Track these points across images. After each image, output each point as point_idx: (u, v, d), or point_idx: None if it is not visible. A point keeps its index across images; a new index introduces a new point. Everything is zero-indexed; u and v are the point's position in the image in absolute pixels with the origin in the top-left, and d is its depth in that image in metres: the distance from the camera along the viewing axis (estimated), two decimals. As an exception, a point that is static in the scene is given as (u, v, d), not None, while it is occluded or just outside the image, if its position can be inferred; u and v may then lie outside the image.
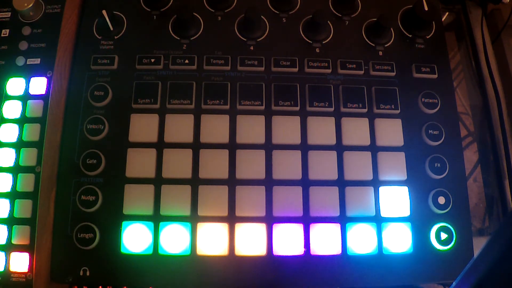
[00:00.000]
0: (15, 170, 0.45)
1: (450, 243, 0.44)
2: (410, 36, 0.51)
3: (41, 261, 0.43)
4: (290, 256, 0.43)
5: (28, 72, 0.48)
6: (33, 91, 0.48)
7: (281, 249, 0.43)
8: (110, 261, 0.43)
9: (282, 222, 0.44)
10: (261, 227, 0.44)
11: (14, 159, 0.46)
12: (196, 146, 0.45)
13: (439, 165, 0.46)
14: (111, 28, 0.49)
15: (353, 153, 0.46)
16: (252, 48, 0.49)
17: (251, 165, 0.45)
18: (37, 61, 0.48)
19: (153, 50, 0.49)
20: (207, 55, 0.48)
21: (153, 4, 0.50)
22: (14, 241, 0.44)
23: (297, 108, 0.47)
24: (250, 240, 0.43)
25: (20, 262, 0.43)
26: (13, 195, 0.45)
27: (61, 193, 0.44)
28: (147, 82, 0.47)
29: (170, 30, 0.50)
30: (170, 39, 0.49)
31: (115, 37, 0.49)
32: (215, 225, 0.43)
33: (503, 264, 0.24)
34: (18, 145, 0.46)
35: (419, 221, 0.45)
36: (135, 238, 0.43)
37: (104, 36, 0.49)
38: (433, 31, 0.52)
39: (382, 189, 0.45)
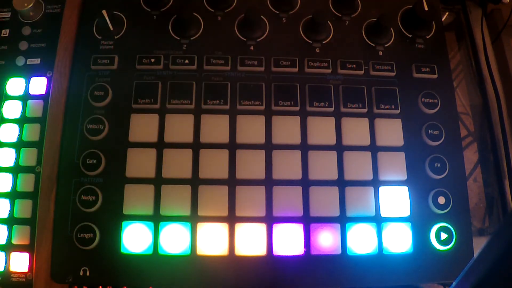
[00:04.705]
0: (15, 170, 0.45)
1: (450, 243, 0.44)
2: (410, 36, 0.51)
3: (41, 261, 0.43)
4: (290, 256, 0.43)
5: (28, 72, 0.48)
6: (33, 91, 0.48)
7: (281, 249, 0.43)
8: (110, 261, 0.43)
9: (282, 222, 0.44)
10: (261, 227, 0.44)
11: (14, 159, 0.46)
12: (196, 146, 0.45)
13: (439, 165, 0.46)
14: (111, 28, 0.49)
15: (353, 153, 0.46)
16: (252, 48, 0.49)
17: (251, 165, 0.45)
18: (37, 61, 0.49)
19: (153, 50, 0.49)
20: (207, 55, 0.48)
21: (153, 4, 0.50)
22: (14, 241, 0.44)
23: (297, 108, 0.47)
24: (250, 240, 0.43)
25: (20, 262, 0.43)
26: (13, 195, 0.45)
27: (61, 193, 0.44)
28: (147, 82, 0.47)
29: (170, 30, 0.50)
30: (170, 39, 0.49)
31: (115, 37, 0.49)
32: (215, 225, 0.43)
33: (503, 264, 0.24)
34: (18, 145, 0.46)
35: (419, 221, 0.45)
36: (135, 238, 0.43)
37: (104, 36, 0.49)
38: (433, 31, 0.52)
39: (382, 189, 0.45)
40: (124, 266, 0.43)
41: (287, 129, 0.46)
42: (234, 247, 0.43)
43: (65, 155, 0.45)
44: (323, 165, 0.45)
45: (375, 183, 0.46)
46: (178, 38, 0.49)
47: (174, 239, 0.43)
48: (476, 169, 0.56)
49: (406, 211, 0.45)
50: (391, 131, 0.47)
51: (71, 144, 0.46)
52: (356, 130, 0.47)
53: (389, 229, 0.44)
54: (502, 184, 0.54)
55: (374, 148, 0.47)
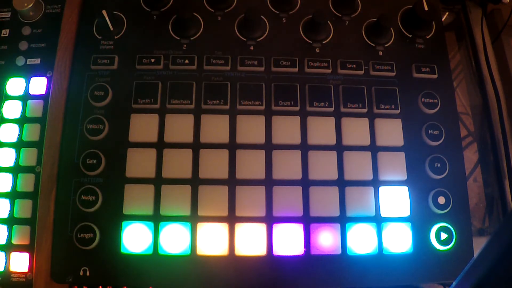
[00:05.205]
0: (15, 170, 0.45)
1: (450, 243, 0.44)
2: (410, 36, 0.51)
3: (41, 261, 0.43)
4: (290, 256, 0.43)
5: (28, 72, 0.48)
6: (33, 91, 0.48)
7: (281, 249, 0.43)
8: (110, 261, 0.43)
9: (282, 222, 0.44)
10: (261, 227, 0.44)
11: (14, 159, 0.46)
12: (196, 146, 0.45)
13: (439, 165, 0.46)
14: (111, 28, 0.49)
15: (353, 153, 0.46)
16: (252, 48, 0.49)
17: (251, 165, 0.45)
18: (37, 61, 0.49)
19: (153, 50, 0.49)
20: (207, 55, 0.48)
21: (153, 4, 0.50)
22: (14, 241, 0.44)
23: (297, 108, 0.47)
24: (250, 240, 0.43)
25: (20, 262, 0.43)
26: (13, 195, 0.45)
27: (61, 193, 0.44)
28: (147, 82, 0.47)
29: (170, 30, 0.50)
30: (170, 39, 0.49)
31: (115, 37, 0.49)
32: (215, 225, 0.43)
33: (503, 264, 0.24)
34: (18, 145, 0.46)
35: (419, 221, 0.45)
36: (135, 238, 0.43)
37: (104, 36, 0.49)
38: (433, 31, 0.52)
39: (382, 189, 0.45)
40: (124, 266, 0.43)
41: (287, 129, 0.46)
42: (234, 247, 0.43)
43: (65, 155, 0.45)
44: (323, 165, 0.45)
45: (375, 183, 0.46)
46: (178, 38, 0.49)
47: (174, 239, 0.43)
48: (476, 169, 0.56)
49: (406, 211, 0.45)
50: (391, 131, 0.47)
51: (71, 144, 0.46)
52: (356, 130, 0.47)
53: (389, 229, 0.44)
54: (502, 184, 0.54)
55: (374, 148, 0.47)
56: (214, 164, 0.45)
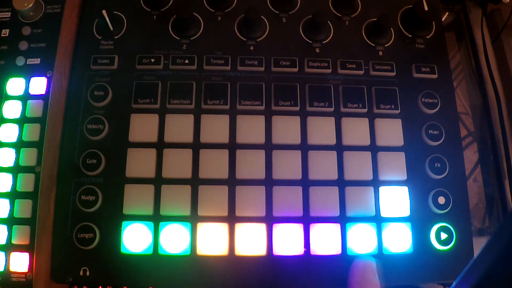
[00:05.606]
0: (15, 170, 0.45)
1: (450, 243, 0.44)
2: (410, 36, 0.51)
3: (41, 261, 0.43)
4: (290, 256, 0.43)
5: (28, 72, 0.48)
6: (33, 91, 0.48)
7: (281, 249, 0.43)
8: (110, 261, 0.43)
9: (282, 222, 0.44)
10: (261, 227, 0.44)
11: (14, 159, 0.46)
12: (196, 146, 0.45)
13: (439, 165, 0.46)
14: (111, 28, 0.49)
15: (353, 153, 0.46)
16: (252, 48, 0.49)
17: (251, 165, 0.45)
18: (37, 61, 0.49)
19: (153, 50, 0.49)
20: (207, 55, 0.48)
21: (153, 4, 0.50)
22: (14, 241, 0.44)
23: (297, 108, 0.47)
24: (250, 240, 0.43)
25: (20, 262, 0.43)
26: (13, 195, 0.45)
27: (61, 193, 0.44)
28: (147, 82, 0.47)
29: (170, 30, 0.50)
30: (170, 39, 0.49)
31: (115, 37, 0.49)
32: (215, 225, 0.43)
33: (503, 264, 0.24)
34: (18, 145, 0.46)
35: (419, 221, 0.45)
36: (135, 238, 0.43)
37: (104, 36, 0.49)
38: (433, 31, 0.52)
39: (382, 189, 0.45)
40: (124, 266, 0.43)
41: (287, 129, 0.46)
42: (234, 247, 0.43)
43: (65, 155, 0.45)
44: (323, 165, 0.45)
45: (375, 183, 0.46)
46: (178, 38, 0.49)
47: (174, 239, 0.43)
48: (476, 169, 0.56)
49: (406, 211, 0.45)
50: (391, 131, 0.47)
51: (71, 144, 0.46)
52: (356, 130, 0.47)
53: (389, 229, 0.44)
54: (502, 184, 0.54)
55: (374, 148, 0.47)
56: (214, 164, 0.45)
